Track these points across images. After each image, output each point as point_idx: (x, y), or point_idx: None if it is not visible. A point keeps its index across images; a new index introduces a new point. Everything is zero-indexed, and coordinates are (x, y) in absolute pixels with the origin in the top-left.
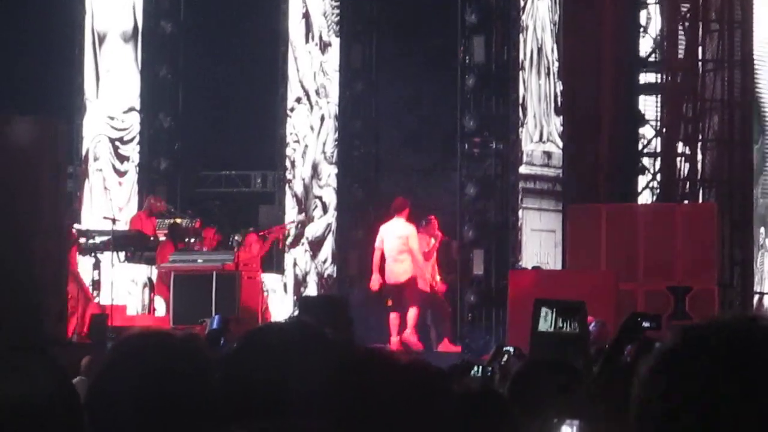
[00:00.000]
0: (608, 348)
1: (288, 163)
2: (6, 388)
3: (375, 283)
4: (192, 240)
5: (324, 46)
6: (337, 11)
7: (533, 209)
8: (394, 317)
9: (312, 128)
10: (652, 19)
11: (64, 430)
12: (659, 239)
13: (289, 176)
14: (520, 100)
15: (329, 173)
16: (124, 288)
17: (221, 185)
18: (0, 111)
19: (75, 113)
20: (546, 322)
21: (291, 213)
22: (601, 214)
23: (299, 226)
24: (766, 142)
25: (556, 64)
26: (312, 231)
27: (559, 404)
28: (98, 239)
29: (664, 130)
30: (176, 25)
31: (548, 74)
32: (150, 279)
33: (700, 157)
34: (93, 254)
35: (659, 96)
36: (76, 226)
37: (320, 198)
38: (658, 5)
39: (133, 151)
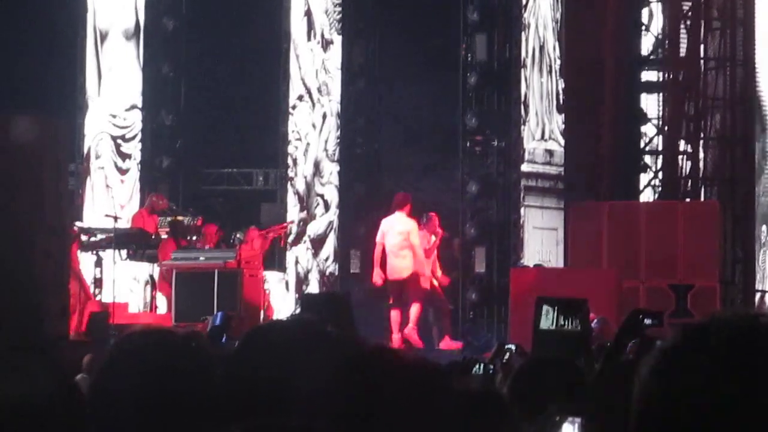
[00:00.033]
0: (609, 346)
1: (290, 161)
2: (6, 388)
3: (377, 277)
4: (194, 238)
5: (326, 44)
6: (339, 9)
7: (535, 207)
8: (395, 314)
9: (314, 126)
10: (654, 16)
11: (65, 429)
12: (661, 237)
13: (291, 174)
14: (522, 98)
15: (331, 171)
16: (125, 286)
17: (223, 183)
18: (1, 109)
19: (77, 111)
20: (548, 319)
21: (293, 211)
22: (602, 212)
23: (301, 223)
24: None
25: (558, 62)
26: (314, 229)
27: (561, 402)
28: (100, 237)
29: (666, 128)
30: (178, 22)
31: (550, 72)
32: (152, 277)
33: (702, 154)
34: (95, 252)
35: (661, 94)
36: (77, 223)
37: (322, 196)
38: (659, 3)
39: (135, 148)
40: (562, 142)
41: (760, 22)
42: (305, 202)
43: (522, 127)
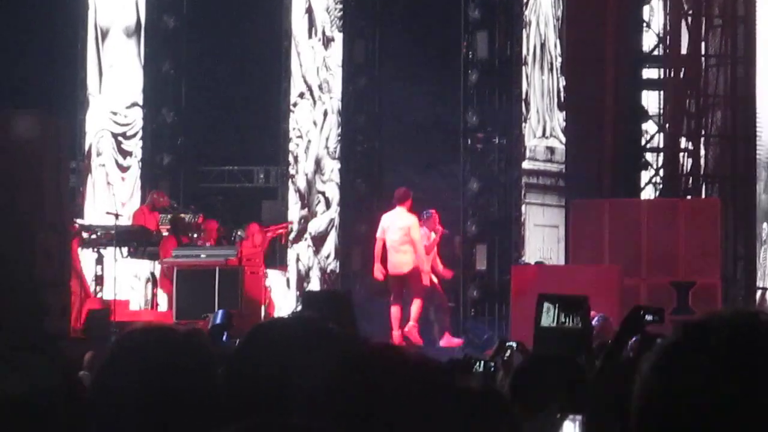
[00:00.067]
0: (610, 343)
1: (291, 159)
2: (7, 386)
3: (378, 272)
4: (195, 235)
5: (327, 41)
6: (340, 6)
7: (536, 204)
8: (395, 310)
9: (315, 123)
10: (654, 14)
11: (66, 426)
12: (662, 234)
13: (292, 171)
14: (523, 96)
15: (332, 168)
16: (127, 283)
17: (224, 180)
18: (2, 107)
19: (78, 108)
20: (549, 317)
21: (294, 208)
22: (604, 210)
23: (302, 221)
24: None
25: (559, 59)
26: (315, 226)
27: (562, 399)
28: (101, 234)
29: (667, 125)
30: (179, 20)
31: (551, 70)
32: (153, 274)
33: (702, 152)
34: (96, 249)
35: (662, 91)
36: (78, 221)
37: (323, 193)
38: (660, 0)
39: (135, 146)
40: (563, 139)
41: (760, 20)
42: (306, 200)
43: (523, 124)
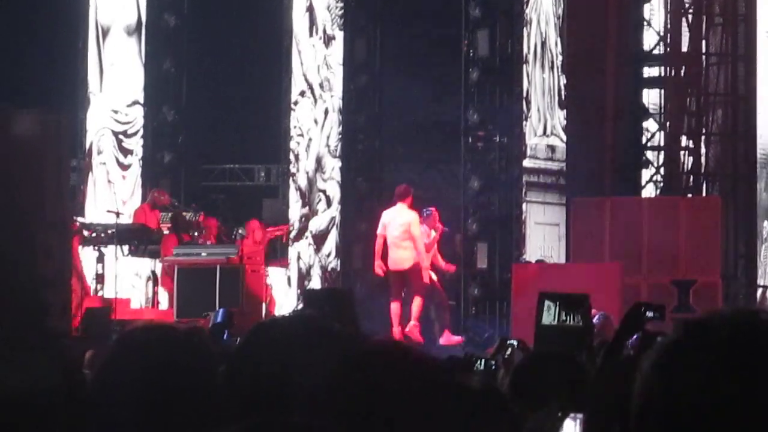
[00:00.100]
0: (610, 342)
1: (292, 157)
2: (8, 383)
3: (378, 269)
4: (196, 233)
5: (328, 40)
6: (340, 5)
7: (537, 203)
8: (395, 306)
9: (316, 122)
10: (655, 12)
11: (66, 424)
12: (663, 233)
13: (292, 170)
14: (524, 94)
15: (333, 167)
16: (127, 281)
17: (225, 179)
18: (3, 105)
19: (79, 106)
20: (549, 315)
21: (295, 207)
22: (604, 208)
23: (303, 219)
24: None
25: (560, 57)
26: (316, 224)
27: (563, 397)
28: (102, 232)
29: (667, 123)
30: (180, 18)
31: (552, 68)
32: (154, 272)
33: (703, 150)
34: (97, 248)
35: (663, 89)
36: (79, 219)
37: (324, 191)
38: None
39: (136, 144)
40: (564, 137)
41: (761, 18)
42: (307, 198)
43: (524, 122)
